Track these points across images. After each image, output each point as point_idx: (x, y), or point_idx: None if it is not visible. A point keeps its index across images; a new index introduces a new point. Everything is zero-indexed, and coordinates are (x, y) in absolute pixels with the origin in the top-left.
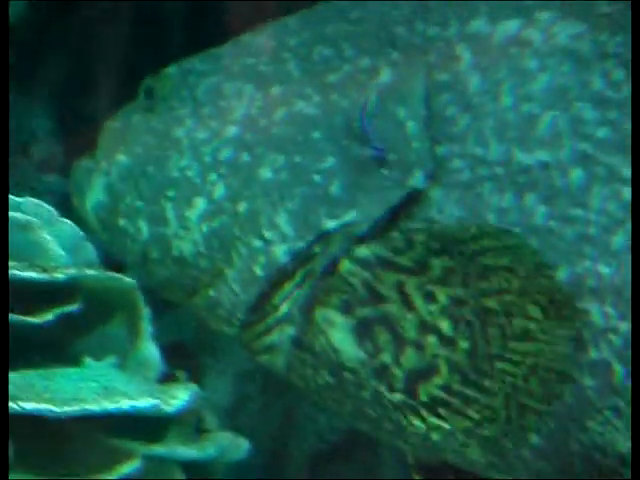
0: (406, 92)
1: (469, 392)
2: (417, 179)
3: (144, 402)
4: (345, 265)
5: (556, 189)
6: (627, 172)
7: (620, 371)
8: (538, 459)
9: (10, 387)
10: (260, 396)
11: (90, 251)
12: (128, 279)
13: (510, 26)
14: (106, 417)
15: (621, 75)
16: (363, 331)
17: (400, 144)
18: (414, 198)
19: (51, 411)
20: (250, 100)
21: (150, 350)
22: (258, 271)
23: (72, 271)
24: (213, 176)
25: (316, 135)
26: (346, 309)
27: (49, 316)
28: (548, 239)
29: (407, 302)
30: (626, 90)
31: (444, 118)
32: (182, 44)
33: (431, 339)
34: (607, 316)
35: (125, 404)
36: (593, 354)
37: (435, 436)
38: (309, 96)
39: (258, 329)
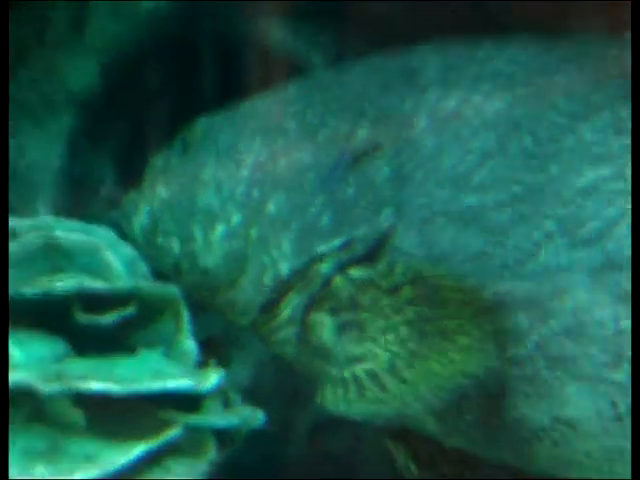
0: (375, 152)
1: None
2: (385, 216)
3: (184, 383)
4: (337, 280)
5: (488, 225)
6: (544, 211)
7: (539, 363)
8: (473, 429)
9: (82, 371)
10: (273, 379)
11: (143, 267)
12: (173, 288)
13: (450, 102)
14: (155, 394)
15: (544, 134)
16: (342, 330)
17: (372, 190)
18: (384, 231)
19: (113, 390)
20: (259, 150)
21: (189, 343)
22: (266, 280)
23: (129, 283)
24: (231, 207)
25: (309, 179)
26: (333, 313)
27: (113, 317)
28: (478, 266)
29: (380, 312)
30: (543, 149)
31: (407, 169)
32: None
33: (388, 337)
34: (529, 322)
35: (170, 384)
36: (520, 350)
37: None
38: (304, 149)
39: (270, 327)
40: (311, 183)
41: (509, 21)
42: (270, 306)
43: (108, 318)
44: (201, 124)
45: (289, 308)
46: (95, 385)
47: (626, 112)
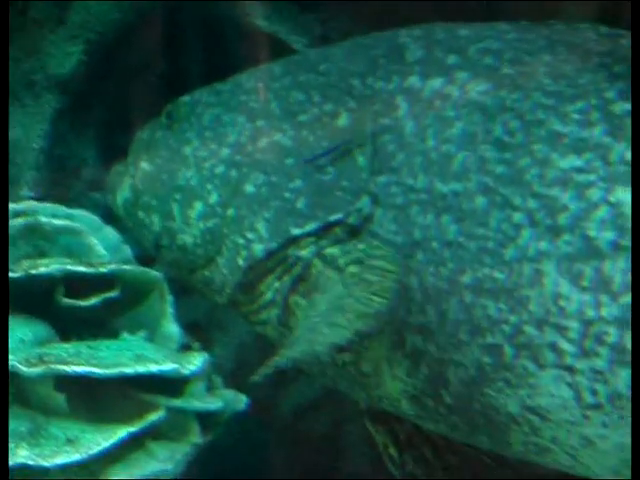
0: (358, 133)
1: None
2: (363, 203)
3: (168, 366)
4: (317, 265)
5: (464, 212)
6: (517, 200)
7: (509, 352)
8: (451, 414)
9: (64, 354)
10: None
11: (126, 250)
12: (155, 272)
13: (436, 83)
14: (138, 378)
15: (516, 124)
16: None
17: (352, 174)
18: (362, 215)
19: (96, 373)
20: (241, 129)
21: (172, 327)
22: (240, 262)
23: (113, 266)
24: (209, 186)
25: (288, 161)
26: (305, 295)
27: (95, 300)
28: (457, 251)
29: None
30: (519, 136)
31: (385, 154)
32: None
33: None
34: (500, 310)
35: (153, 368)
36: (489, 339)
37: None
38: (285, 130)
39: (252, 308)
40: (290, 166)
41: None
42: (247, 287)
43: (91, 301)
44: (187, 100)
45: (270, 291)
46: (78, 368)
47: (601, 102)
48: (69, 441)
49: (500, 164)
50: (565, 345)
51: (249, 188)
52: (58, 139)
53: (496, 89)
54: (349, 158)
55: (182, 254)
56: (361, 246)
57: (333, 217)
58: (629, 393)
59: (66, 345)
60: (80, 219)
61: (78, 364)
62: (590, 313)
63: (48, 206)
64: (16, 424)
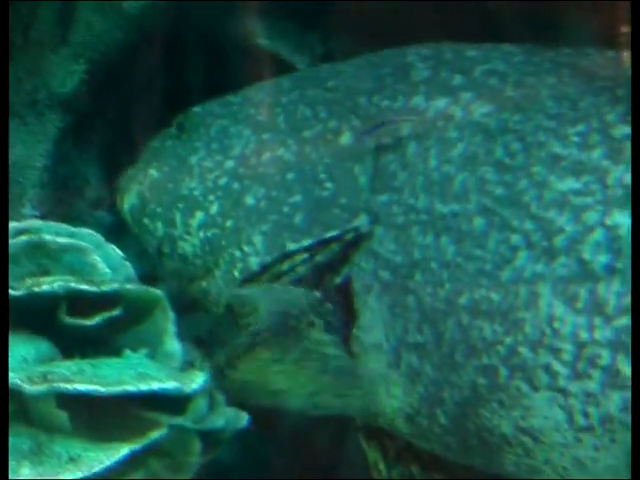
0: (360, 152)
1: None
2: (361, 221)
3: (170, 384)
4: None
5: (463, 233)
6: (514, 222)
7: (504, 373)
8: (445, 434)
9: (67, 373)
10: None
11: (129, 268)
12: (158, 291)
13: (440, 103)
14: (140, 396)
15: (517, 146)
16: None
17: (352, 192)
18: (361, 234)
19: (98, 391)
20: (247, 142)
21: (174, 345)
22: (236, 274)
23: (115, 285)
24: (212, 197)
25: (289, 176)
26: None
27: (98, 319)
28: (455, 272)
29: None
30: (520, 158)
31: (388, 173)
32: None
33: None
34: (496, 332)
35: (155, 386)
36: (485, 360)
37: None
38: (289, 145)
39: (246, 322)
40: (291, 180)
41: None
42: (241, 299)
43: (94, 320)
44: (198, 110)
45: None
46: (81, 386)
47: (602, 125)
48: (71, 459)
49: (499, 186)
50: (559, 367)
51: (249, 201)
52: (61, 158)
53: (499, 111)
54: (349, 176)
55: (182, 263)
56: None
57: (329, 234)
58: (621, 416)
59: (69, 363)
60: (83, 237)
61: (81, 382)
62: (584, 336)
63: (51, 224)
64: (18, 442)
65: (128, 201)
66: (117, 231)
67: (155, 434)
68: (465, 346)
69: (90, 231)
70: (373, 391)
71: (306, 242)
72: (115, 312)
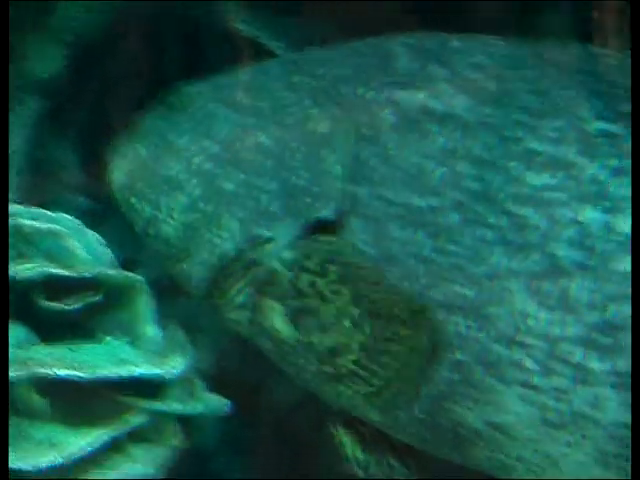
0: (337, 142)
1: (373, 366)
2: (330, 211)
3: (149, 370)
4: (278, 267)
5: (439, 228)
6: (489, 218)
7: (477, 369)
8: (420, 427)
9: (47, 358)
10: (239, 367)
11: (108, 254)
12: (138, 276)
13: (422, 96)
14: (120, 381)
15: (495, 142)
16: (294, 317)
17: (325, 181)
18: (334, 223)
19: (78, 377)
20: (232, 126)
21: (154, 330)
22: (214, 260)
23: (95, 270)
24: (195, 181)
25: (268, 163)
26: (281, 300)
27: (78, 304)
28: (430, 267)
29: (321, 296)
30: (497, 153)
31: (367, 166)
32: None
33: (346, 323)
34: (469, 328)
35: (135, 371)
36: (458, 356)
37: (343, 399)
38: (271, 132)
39: (224, 308)
40: (269, 167)
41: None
42: (220, 285)
43: (73, 305)
44: (188, 90)
45: (241, 293)
46: (61, 372)
47: (577, 121)
48: (52, 445)
49: (476, 181)
50: (530, 363)
51: (229, 186)
52: (39, 142)
53: (479, 105)
54: (324, 164)
55: (165, 246)
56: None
57: (302, 222)
58: (591, 413)
59: (49, 349)
60: (62, 222)
61: (61, 368)
62: (555, 332)
63: (30, 209)
64: None
65: (117, 178)
66: (96, 216)
67: (135, 420)
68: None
69: (69, 216)
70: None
71: (279, 230)
72: (95, 298)
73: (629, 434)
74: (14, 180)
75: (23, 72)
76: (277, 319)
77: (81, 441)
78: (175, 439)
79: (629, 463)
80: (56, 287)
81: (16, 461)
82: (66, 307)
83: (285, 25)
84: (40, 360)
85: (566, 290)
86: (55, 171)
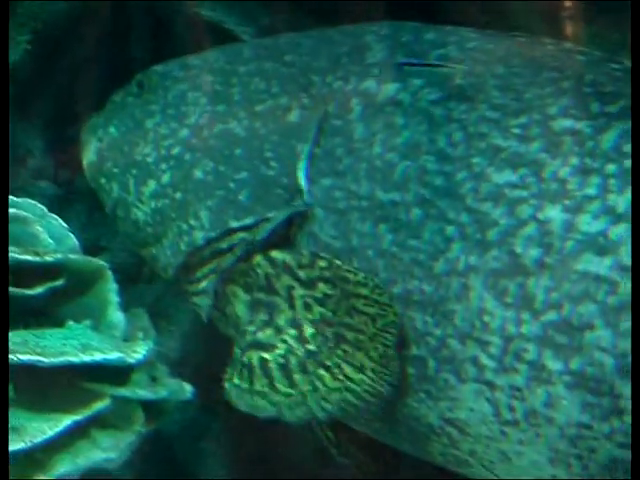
0: (306, 132)
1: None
2: (300, 203)
3: (113, 355)
4: (258, 258)
5: (400, 222)
6: (450, 213)
7: (433, 365)
8: (376, 420)
9: (10, 343)
10: (202, 351)
11: (72, 239)
12: (101, 261)
13: (390, 88)
14: (83, 367)
15: (460, 137)
16: (254, 308)
17: (293, 173)
18: (303, 214)
19: (41, 362)
20: (202, 111)
21: (117, 316)
22: (182, 247)
23: (59, 255)
24: (164, 166)
25: (238, 152)
26: (247, 289)
27: (41, 289)
28: (391, 261)
29: (290, 302)
30: (461, 149)
31: (333, 156)
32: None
33: (291, 332)
34: (426, 323)
35: (98, 357)
36: (415, 351)
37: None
38: (241, 119)
39: (189, 290)
40: (239, 156)
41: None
42: (187, 271)
43: (37, 290)
44: (159, 70)
45: (207, 279)
46: (24, 357)
47: (542, 118)
48: (14, 430)
49: (439, 176)
50: (486, 360)
51: (198, 174)
52: None
53: (446, 99)
54: (293, 155)
55: (134, 229)
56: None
57: (270, 213)
58: (545, 411)
59: (11, 334)
60: (26, 208)
61: (24, 353)
62: (511, 329)
63: None
64: None
65: (87, 156)
66: (60, 202)
67: (98, 405)
68: (397, 336)
69: (33, 202)
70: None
71: (248, 221)
72: (58, 282)
73: (582, 434)
74: None
75: None
76: (240, 307)
77: (44, 426)
78: (139, 424)
79: (581, 462)
80: (19, 272)
81: None
82: (27, 292)
83: (252, 10)
84: None
85: (524, 288)
86: (20, 157)
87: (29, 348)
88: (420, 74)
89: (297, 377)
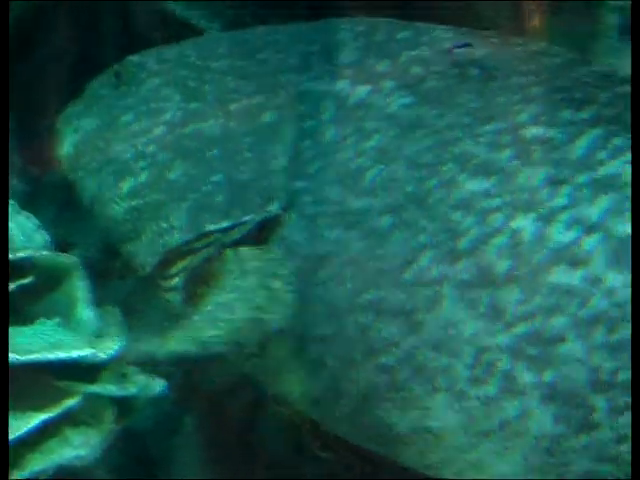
0: (279, 134)
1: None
2: (274, 207)
3: (84, 352)
4: (228, 254)
5: (370, 230)
6: (421, 221)
7: (402, 374)
8: (346, 423)
9: None
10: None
11: (43, 236)
12: (72, 257)
13: (362, 90)
14: (53, 364)
15: (431, 142)
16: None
17: (267, 176)
18: (276, 218)
19: (12, 359)
20: (176, 108)
21: (88, 313)
22: (159, 247)
23: (28, 252)
24: (141, 164)
25: (213, 153)
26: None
27: (10, 286)
28: (360, 269)
29: None
30: (432, 155)
31: (304, 159)
32: None
33: None
34: (396, 333)
35: (69, 354)
36: (383, 360)
37: None
38: (215, 118)
39: (161, 287)
40: (214, 157)
41: None
42: (163, 270)
43: None
44: (135, 61)
45: (179, 279)
46: None
47: (513, 125)
48: None
49: (409, 183)
50: (458, 371)
51: (173, 175)
52: None
53: (417, 103)
54: (268, 157)
55: (112, 224)
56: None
57: (246, 217)
58: (518, 423)
59: None
60: None
61: None
62: (483, 341)
63: None
64: None
65: (64, 147)
66: (29, 198)
67: (69, 402)
68: (366, 345)
69: None
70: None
71: (225, 224)
72: (27, 279)
73: (554, 445)
74: None
75: None
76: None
77: (14, 424)
78: (110, 421)
79: (557, 474)
80: None
81: None
82: None
83: (217, 6)
84: None
85: (495, 298)
86: None
87: None
88: (391, 76)
89: None
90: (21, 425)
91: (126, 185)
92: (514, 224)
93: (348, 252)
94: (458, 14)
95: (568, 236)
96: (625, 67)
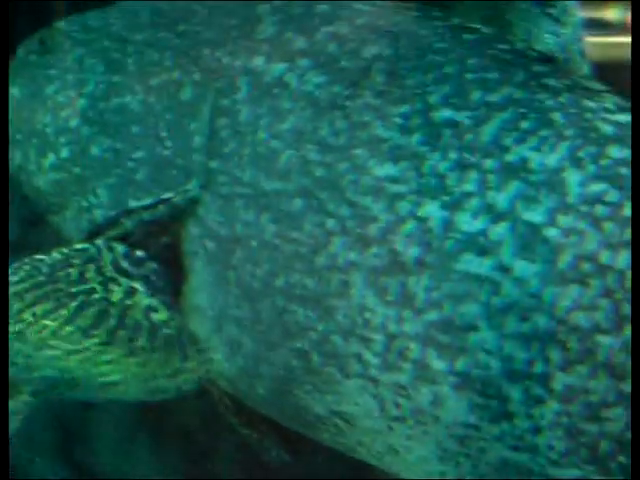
0: (198, 110)
1: None
2: (193, 186)
3: None
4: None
5: (283, 213)
6: (331, 206)
7: (316, 359)
8: (264, 403)
9: None
10: None
11: None
12: None
13: (278, 68)
14: None
15: (343, 125)
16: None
17: (186, 153)
18: (194, 198)
19: None
20: (99, 80)
21: None
22: (84, 223)
23: None
24: (62, 139)
25: (135, 129)
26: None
27: None
28: (273, 253)
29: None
30: (343, 138)
31: (220, 138)
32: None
33: None
34: (309, 318)
35: None
36: (298, 344)
37: None
38: (136, 93)
39: None
40: (136, 133)
41: None
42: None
43: None
44: (61, 27)
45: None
46: None
47: (424, 107)
48: None
49: (320, 167)
50: (369, 357)
51: (95, 150)
52: None
53: (331, 83)
54: (186, 135)
55: (37, 195)
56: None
57: (166, 195)
58: (431, 410)
59: None
60: None
61: None
62: (393, 328)
63: None
64: None
65: None
66: None
67: None
68: (280, 328)
69: None
70: (199, 354)
71: (147, 201)
72: None
73: (471, 434)
74: None
75: None
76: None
77: None
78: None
79: (471, 461)
80: None
81: None
82: None
83: None
84: None
85: (404, 286)
86: None
87: None
88: (307, 53)
89: None
90: None
91: (48, 160)
92: (421, 211)
93: (262, 235)
94: None
95: (476, 225)
96: (540, 36)
